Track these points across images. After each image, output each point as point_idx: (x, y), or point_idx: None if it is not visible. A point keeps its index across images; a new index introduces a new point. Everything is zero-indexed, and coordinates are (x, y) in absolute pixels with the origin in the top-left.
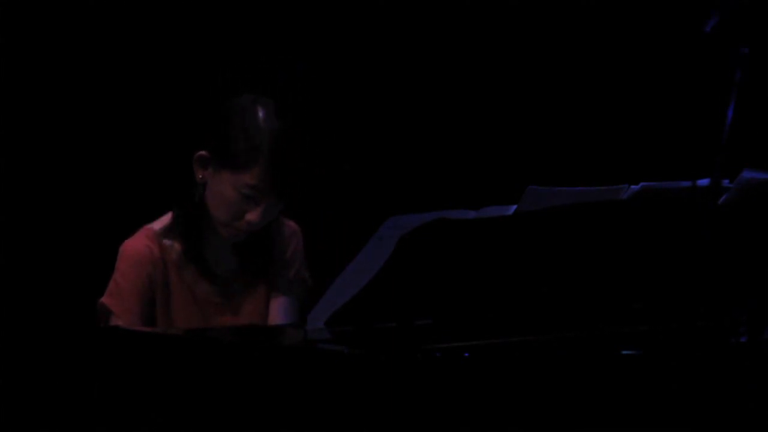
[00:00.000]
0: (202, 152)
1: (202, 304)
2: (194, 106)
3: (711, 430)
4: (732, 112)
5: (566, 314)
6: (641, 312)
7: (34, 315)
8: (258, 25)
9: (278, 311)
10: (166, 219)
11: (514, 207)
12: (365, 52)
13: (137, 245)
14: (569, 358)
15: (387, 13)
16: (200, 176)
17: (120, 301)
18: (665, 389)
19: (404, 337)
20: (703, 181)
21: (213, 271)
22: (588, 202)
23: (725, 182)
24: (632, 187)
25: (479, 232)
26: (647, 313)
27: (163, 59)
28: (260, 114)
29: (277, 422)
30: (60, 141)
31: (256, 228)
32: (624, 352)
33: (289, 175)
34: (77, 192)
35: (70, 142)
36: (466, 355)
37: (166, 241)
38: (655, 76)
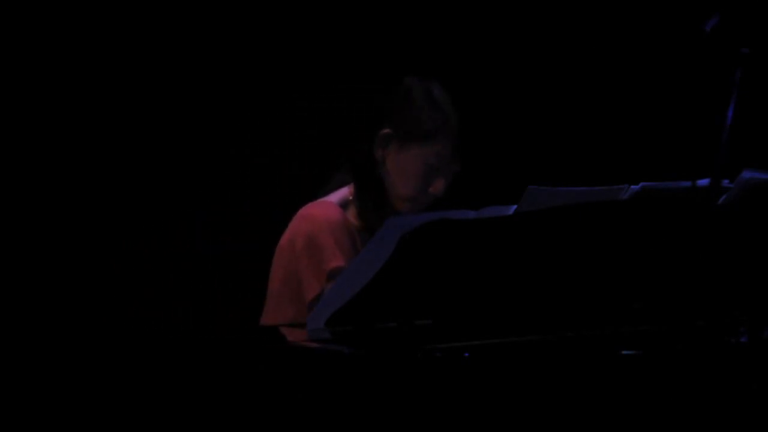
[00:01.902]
0: (386, 130)
1: None
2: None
3: (711, 430)
4: (732, 112)
5: (566, 314)
6: (641, 312)
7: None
8: None
9: None
10: (339, 194)
11: (514, 207)
12: (365, 52)
13: (333, 212)
14: (569, 358)
15: (386, 13)
16: (380, 153)
17: (348, 261)
18: (665, 389)
19: (404, 337)
20: (703, 181)
21: None
22: (588, 202)
23: (725, 182)
24: (632, 187)
25: (479, 232)
26: (647, 313)
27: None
28: (436, 88)
29: (277, 422)
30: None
31: (433, 200)
32: (624, 352)
33: (470, 141)
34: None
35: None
36: (466, 355)
37: (344, 212)
38: (656, 76)
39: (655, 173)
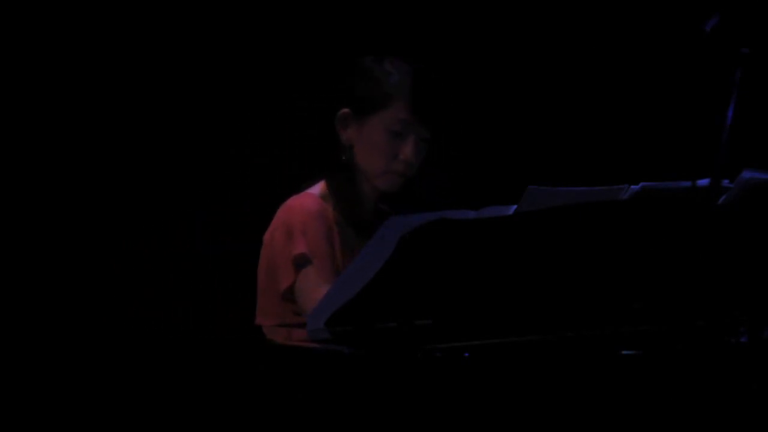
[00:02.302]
0: (344, 110)
1: None
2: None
3: (711, 430)
4: (732, 112)
5: (566, 314)
6: (641, 312)
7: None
8: None
9: None
10: (318, 187)
11: (514, 207)
12: (365, 53)
13: (311, 202)
14: (569, 358)
15: (387, 13)
16: (346, 137)
17: (318, 249)
18: (665, 389)
19: (404, 337)
20: (703, 181)
21: (370, 231)
22: (588, 202)
23: (725, 182)
24: (632, 187)
25: (479, 232)
26: (647, 313)
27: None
28: (387, 61)
29: (277, 422)
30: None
31: (411, 169)
32: (624, 352)
33: (431, 104)
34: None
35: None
36: (466, 355)
37: (328, 204)
38: (656, 76)
39: (655, 173)
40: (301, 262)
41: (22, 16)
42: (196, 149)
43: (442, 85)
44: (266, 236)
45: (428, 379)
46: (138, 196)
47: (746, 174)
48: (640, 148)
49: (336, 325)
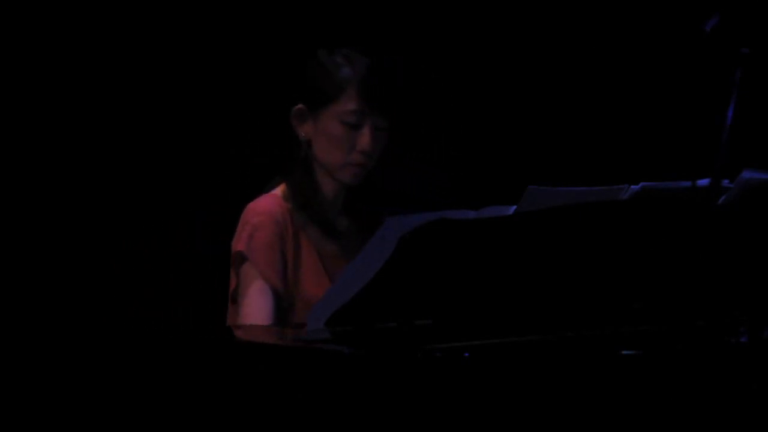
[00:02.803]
0: (298, 106)
1: (327, 262)
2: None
3: (711, 430)
4: (732, 112)
5: (566, 314)
6: (641, 312)
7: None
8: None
9: None
10: (283, 188)
11: (514, 207)
12: (365, 53)
13: (268, 203)
14: (569, 358)
15: (386, 13)
16: (303, 133)
17: (258, 253)
18: (665, 389)
19: (404, 337)
20: (703, 181)
21: (335, 228)
22: (588, 202)
23: (725, 182)
24: (632, 187)
25: (479, 232)
26: (647, 313)
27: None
28: (338, 53)
29: (277, 423)
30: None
31: (370, 160)
32: (624, 352)
33: (385, 92)
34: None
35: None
36: (466, 355)
37: (289, 205)
38: (656, 76)
39: (655, 173)
40: (239, 262)
41: (21, 16)
42: (197, 149)
43: (394, 74)
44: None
45: (428, 379)
46: (138, 196)
47: (746, 174)
48: (640, 148)
49: (336, 325)
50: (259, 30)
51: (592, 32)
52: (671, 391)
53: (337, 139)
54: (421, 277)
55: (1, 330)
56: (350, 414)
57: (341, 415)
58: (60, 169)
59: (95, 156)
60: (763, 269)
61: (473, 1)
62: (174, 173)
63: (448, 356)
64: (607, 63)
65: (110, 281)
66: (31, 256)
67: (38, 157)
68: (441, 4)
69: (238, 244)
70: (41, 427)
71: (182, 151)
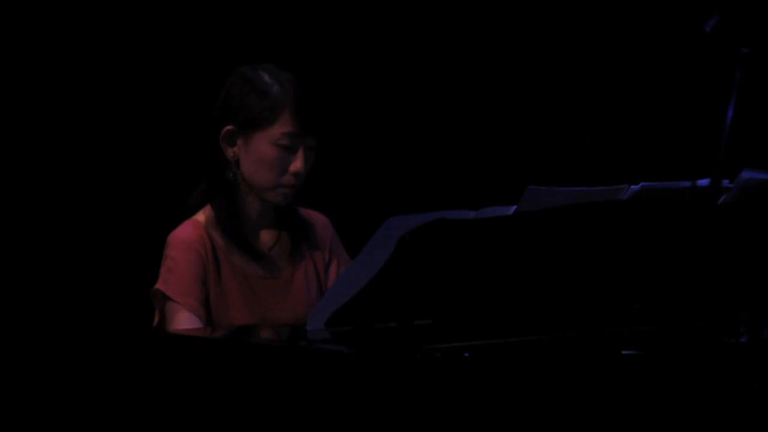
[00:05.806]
0: (228, 127)
1: (253, 284)
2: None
3: (711, 430)
4: (732, 112)
5: (566, 314)
6: (641, 312)
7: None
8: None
9: None
10: (207, 210)
11: (514, 207)
12: (365, 52)
13: (187, 232)
14: (569, 358)
15: (387, 13)
16: (231, 153)
17: (178, 286)
18: (665, 389)
19: (404, 337)
20: (703, 181)
21: (260, 250)
22: (588, 202)
23: (725, 182)
24: (632, 187)
25: (479, 232)
26: (647, 313)
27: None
28: (265, 72)
29: (277, 423)
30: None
31: (301, 181)
32: (624, 352)
33: (317, 113)
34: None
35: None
36: (466, 355)
37: (212, 230)
38: (656, 75)
39: (655, 173)
40: (161, 300)
41: (21, 16)
42: (196, 149)
43: (322, 92)
44: None
45: (428, 379)
46: (138, 197)
47: (746, 174)
48: (640, 148)
49: (336, 325)
50: (262, 29)
51: (593, 32)
52: (671, 391)
53: (269, 161)
54: (421, 277)
55: (1, 329)
56: (350, 414)
57: (341, 415)
58: (60, 170)
59: (95, 156)
60: (763, 269)
61: (474, 1)
62: (174, 173)
63: (448, 356)
64: (608, 63)
65: (110, 281)
66: (31, 256)
67: (38, 157)
68: (444, 5)
69: (159, 281)
70: (41, 426)
71: (182, 151)
